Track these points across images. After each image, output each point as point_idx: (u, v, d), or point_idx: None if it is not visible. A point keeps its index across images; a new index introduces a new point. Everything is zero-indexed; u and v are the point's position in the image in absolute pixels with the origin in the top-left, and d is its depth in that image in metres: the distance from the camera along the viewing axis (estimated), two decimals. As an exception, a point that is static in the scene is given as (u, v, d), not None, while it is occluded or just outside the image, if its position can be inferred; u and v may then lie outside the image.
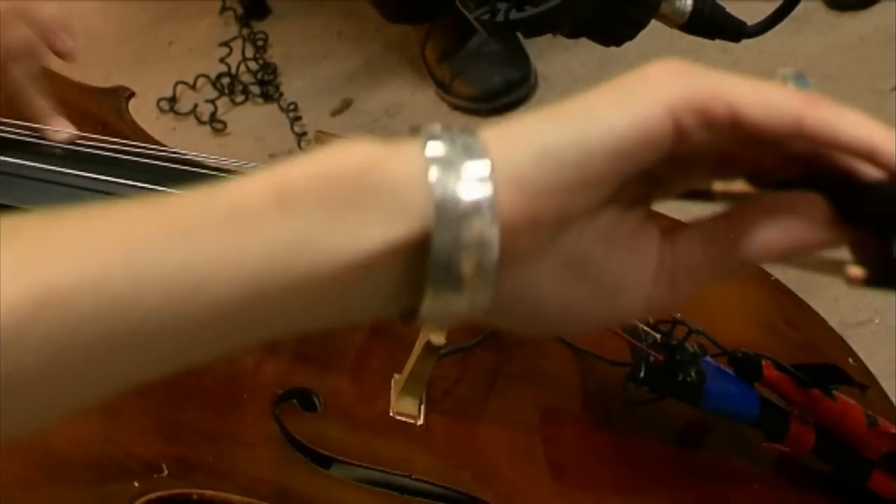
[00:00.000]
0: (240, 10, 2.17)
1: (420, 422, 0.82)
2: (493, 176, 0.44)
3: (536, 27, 0.79)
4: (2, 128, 0.80)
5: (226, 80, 2.06)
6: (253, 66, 2.08)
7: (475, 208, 0.43)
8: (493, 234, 0.44)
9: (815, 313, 1.06)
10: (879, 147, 0.47)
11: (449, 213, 0.43)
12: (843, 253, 0.50)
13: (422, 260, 0.44)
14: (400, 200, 0.44)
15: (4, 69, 0.81)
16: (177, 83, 2.03)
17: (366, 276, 0.44)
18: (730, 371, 0.88)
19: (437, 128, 0.45)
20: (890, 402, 0.99)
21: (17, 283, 0.40)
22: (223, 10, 2.19)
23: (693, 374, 0.84)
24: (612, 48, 0.82)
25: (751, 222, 0.49)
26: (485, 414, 0.86)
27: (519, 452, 0.84)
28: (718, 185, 0.52)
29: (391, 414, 0.82)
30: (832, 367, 0.89)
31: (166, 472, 0.72)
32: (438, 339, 0.80)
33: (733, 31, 0.82)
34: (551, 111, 0.46)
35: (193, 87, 2.04)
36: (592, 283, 0.49)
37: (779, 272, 1.14)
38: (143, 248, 0.41)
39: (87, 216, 0.43)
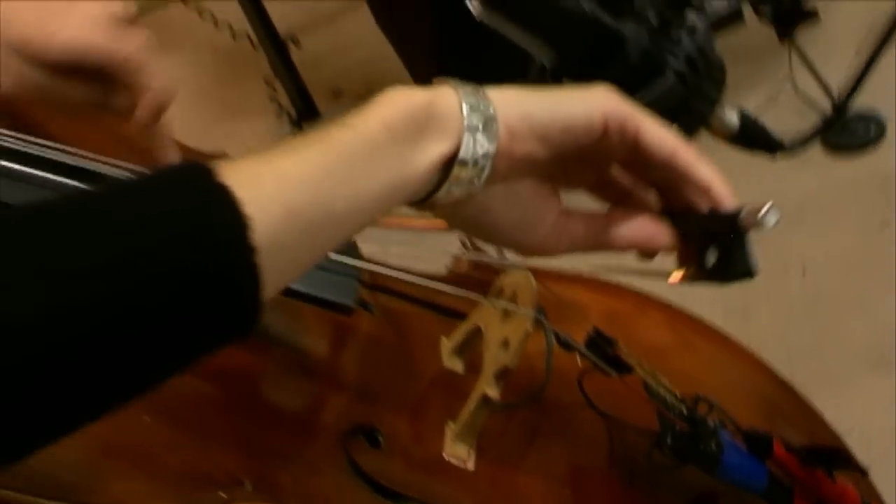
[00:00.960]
0: (294, 114, 2.23)
1: (470, 467, 0.84)
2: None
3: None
4: (111, 166, 0.81)
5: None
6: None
7: (487, 135, 0.64)
8: (493, 152, 0.64)
9: (815, 407, 1.09)
10: (715, 187, 0.68)
11: (472, 136, 0.63)
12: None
13: (449, 164, 0.63)
14: (447, 126, 0.63)
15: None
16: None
17: (427, 178, 0.63)
18: (743, 446, 0.91)
19: (459, 82, 0.64)
20: (877, 492, 1.02)
21: (277, 205, 0.56)
22: (279, 112, 2.24)
23: (713, 445, 0.87)
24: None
25: (618, 219, 0.71)
26: (524, 465, 0.88)
27: (553, 502, 0.87)
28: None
29: (445, 457, 0.84)
30: (836, 451, 0.92)
31: (249, 486, 0.75)
32: (494, 393, 0.83)
33: (772, 146, 0.86)
34: (534, 91, 0.67)
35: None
36: (517, 213, 0.69)
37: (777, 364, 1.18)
38: (332, 172, 0.59)
39: (293, 154, 0.59)
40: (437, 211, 0.67)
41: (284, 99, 2.22)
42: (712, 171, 0.68)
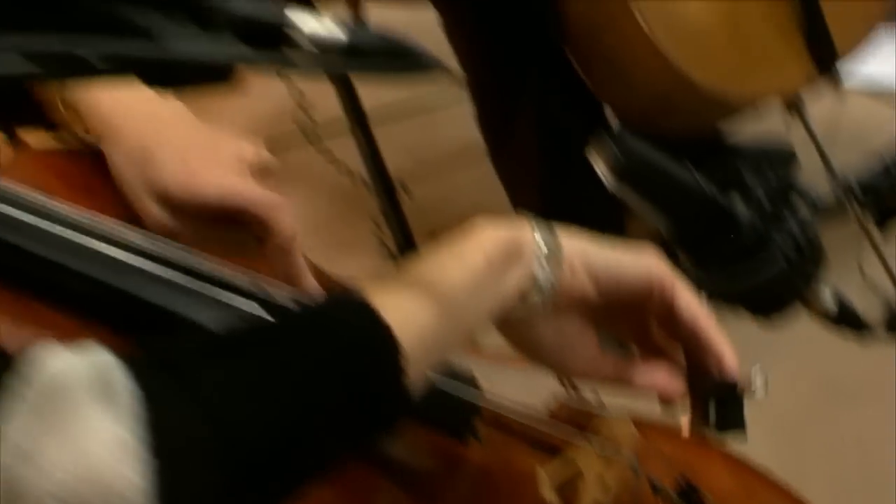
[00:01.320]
0: (396, 252, 2.27)
1: None
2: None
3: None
4: (272, 289, 0.84)
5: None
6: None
7: (556, 268, 0.72)
8: (556, 282, 0.72)
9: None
10: (726, 357, 0.76)
11: (544, 267, 0.72)
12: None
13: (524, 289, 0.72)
14: (526, 259, 0.71)
15: None
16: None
17: (510, 301, 0.71)
18: None
19: (537, 220, 0.73)
20: None
21: (415, 332, 0.66)
22: (383, 250, 2.28)
23: None
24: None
25: (643, 365, 0.79)
26: None
27: None
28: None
29: None
30: None
31: None
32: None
33: (860, 326, 0.88)
34: (597, 241, 0.75)
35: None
36: (561, 342, 0.76)
37: None
38: (450, 302, 0.68)
39: (419, 284, 0.68)
40: (498, 325, 0.75)
41: (389, 238, 2.27)
42: (726, 344, 0.77)
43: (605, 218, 1.82)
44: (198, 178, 0.84)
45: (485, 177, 2.18)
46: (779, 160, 2.07)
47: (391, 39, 0.60)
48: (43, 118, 0.90)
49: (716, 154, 2.01)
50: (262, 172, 0.87)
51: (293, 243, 0.88)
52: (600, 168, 0.81)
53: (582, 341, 0.78)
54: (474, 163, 2.31)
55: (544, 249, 0.72)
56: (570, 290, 0.74)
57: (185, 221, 0.84)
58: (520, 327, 0.75)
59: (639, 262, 0.76)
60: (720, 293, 0.85)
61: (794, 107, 1.97)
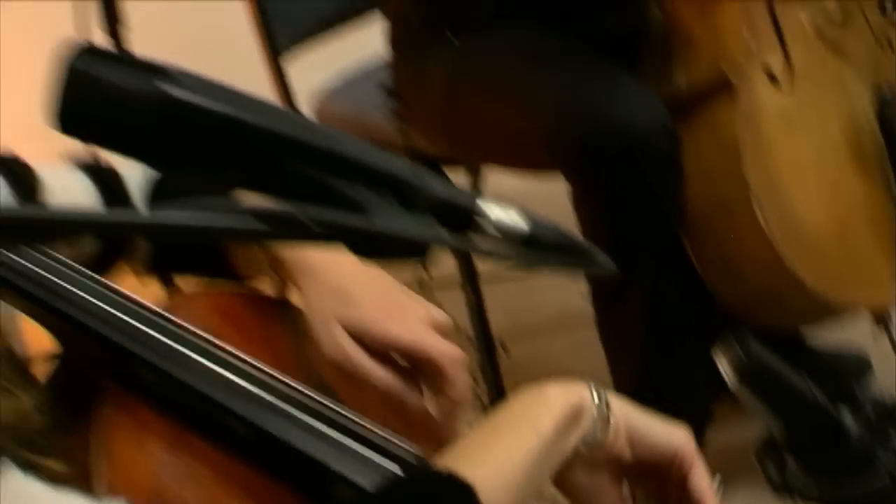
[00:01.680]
0: (487, 403, 2.29)
1: None
2: None
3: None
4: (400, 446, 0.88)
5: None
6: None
7: (605, 427, 0.81)
8: (602, 439, 0.82)
9: None
10: None
11: (596, 425, 0.81)
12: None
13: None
14: (585, 419, 0.80)
15: None
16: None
17: (570, 454, 0.80)
18: None
19: (595, 385, 0.82)
20: None
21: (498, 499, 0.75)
22: (475, 397, 2.30)
23: None
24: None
25: None
26: None
27: None
28: None
29: None
30: None
31: None
32: None
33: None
34: (638, 408, 0.83)
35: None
36: (590, 485, 0.84)
37: None
38: (526, 471, 0.78)
39: (502, 461, 0.78)
40: None
41: (484, 392, 2.29)
42: None
43: (696, 401, 1.84)
44: (392, 321, 0.90)
45: (577, 343, 2.22)
46: (854, 368, 2.07)
47: (566, 235, 0.65)
48: (222, 270, 0.97)
49: (795, 353, 2.02)
50: (442, 333, 0.92)
51: (465, 399, 0.92)
52: (724, 367, 0.84)
53: (609, 490, 0.85)
54: (570, 329, 2.35)
55: (597, 410, 0.81)
56: (611, 448, 0.83)
57: (368, 358, 0.90)
58: (562, 468, 0.82)
59: (671, 436, 0.84)
60: (823, 498, 0.87)
61: (882, 320, 1.98)
